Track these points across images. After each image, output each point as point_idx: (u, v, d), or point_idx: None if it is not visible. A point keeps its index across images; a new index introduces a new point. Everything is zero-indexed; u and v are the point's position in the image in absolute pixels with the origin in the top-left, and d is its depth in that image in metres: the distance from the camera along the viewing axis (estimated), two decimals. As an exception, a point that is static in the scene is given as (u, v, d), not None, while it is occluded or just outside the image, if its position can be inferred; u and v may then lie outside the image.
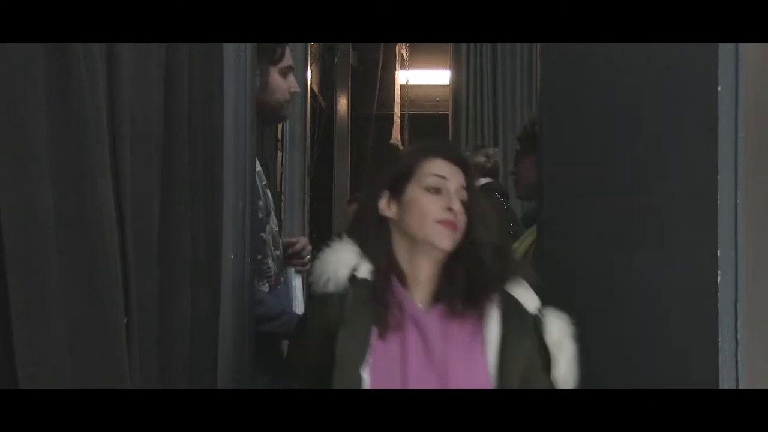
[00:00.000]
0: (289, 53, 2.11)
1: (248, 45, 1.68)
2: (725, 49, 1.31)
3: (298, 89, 2.20)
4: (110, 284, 1.07)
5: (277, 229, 2.18)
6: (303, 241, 2.36)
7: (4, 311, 0.90)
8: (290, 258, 2.29)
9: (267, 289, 2.06)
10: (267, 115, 2.13)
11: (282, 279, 2.17)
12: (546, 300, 1.43)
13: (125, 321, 1.13)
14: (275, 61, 2.05)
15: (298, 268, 2.31)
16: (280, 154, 4.25)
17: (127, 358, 1.12)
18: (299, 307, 2.27)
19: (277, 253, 2.15)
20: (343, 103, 6.92)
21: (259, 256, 2.02)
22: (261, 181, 2.11)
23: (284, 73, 2.09)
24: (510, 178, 4.66)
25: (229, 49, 1.62)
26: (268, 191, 2.16)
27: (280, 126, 3.91)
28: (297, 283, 2.30)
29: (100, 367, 1.05)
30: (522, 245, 2.20)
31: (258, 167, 2.14)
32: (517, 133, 2.71)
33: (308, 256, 2.36)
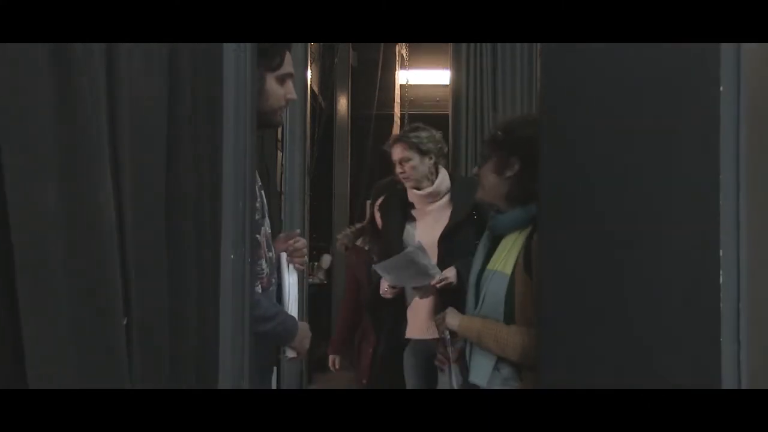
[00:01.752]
0: (290, 60, 2.11)
1: (248, 45, 1.67)
2: (727, 50, 1.31)
3: (295, 97, 2.21)
4: (110, 284, 1.07)
5: (269, 231, 2.19)
6: (303, 240, 2.36)
7: (8, 311, 0.90)
8: (291, 254, 2.29)
9: (260, 291, 2.07)
10: (260, 120, 2.13)
11: (273, 281, 2.18)
12: None
13: (125, 321, 1.13)
14: (273, 68, 2.05)
15: (297, 265, 2.31)
16: (280, 154, 4.25)
17: (127, 358, 1.12)
18: (293, 307, 2.26)
19: (270, 254, 2.15)
20: (343, 103, 6.92)
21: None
22: (256, 182, 2.11)
23: (282, 80, 2.08)
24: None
25: (229, 49, 1.62)
26: (263, 192, 2.16)
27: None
28: (292, 280, 2.29)
29: (100, 368, 1.05)
30: (507, 261, 2.16)
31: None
32: (486, 137, 2.71)
33: (306, 257, 2.37)
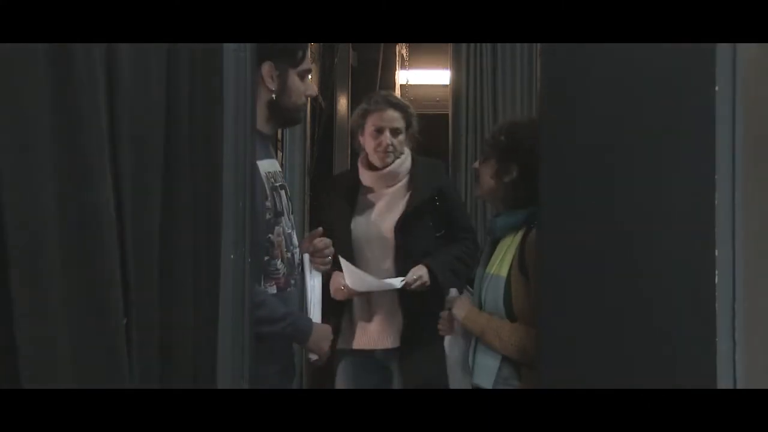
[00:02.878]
0: (309, 56, 2.11)
1: (248, 45, 1.68)
2: (723, 49, 1.31)
3: (314, 92, 2.21)
4: (110, 285, 1.07)
5: (290, 231, 2.15)
6: (327, 240, 2.31)
7: (6, 311, 0.91)
8: (312, 254, 2.26)
9: (274, 291, 2.05)
10: (283, 117, 2.13)
11: (293, 281, 2.15)
12: None
13: (125, 321, 1.13)
14: (296, 64, 2.06)
15: (319, 266, 2.27)
16: (280, 154, 4.25)
17: (127, 358, 1.13)
18: (315, 310, 2.23)
19: (289, 254, 2.13)
20: (343, 103, 6.91)
21: (266, 258, 2.01)
22: (276, 182, 2.09)
23: (302, 76, 2.09)
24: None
25: (229, 49, 1.63)
26: (283, 192, 2.14)
27: (280, 126, 3.91)
28: (315, 282, 2.26)
29: (99, 367, 1.06)
30: (503, 263, 2.17)
31: (277, 168, 2.14)
32: (487, 136, 2.63)
33: (330, 257, 2.32)
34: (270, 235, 2.02)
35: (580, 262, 1.59)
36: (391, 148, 2.83)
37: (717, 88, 1.30)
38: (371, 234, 2.87)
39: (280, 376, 2.10)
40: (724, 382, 1.29)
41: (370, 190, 2.91)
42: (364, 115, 2.88)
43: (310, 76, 2.18)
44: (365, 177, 2.91)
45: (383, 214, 2.88)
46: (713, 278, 1.29)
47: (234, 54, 1.64)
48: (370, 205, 2.91)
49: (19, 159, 0.91)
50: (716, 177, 1.30)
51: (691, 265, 1.35)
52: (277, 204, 2.08)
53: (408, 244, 2.83)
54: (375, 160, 2.86)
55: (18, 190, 0.91)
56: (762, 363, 1.30)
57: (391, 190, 2.89)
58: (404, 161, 2.88)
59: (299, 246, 2.22)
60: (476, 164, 2.33)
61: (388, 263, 2.86)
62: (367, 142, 2.86)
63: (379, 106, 2.84)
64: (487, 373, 2.13)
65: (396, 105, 2.87)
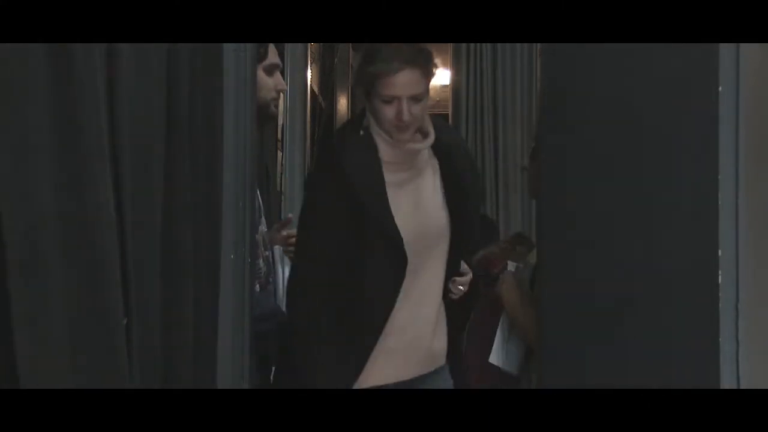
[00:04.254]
0: (274, 51, 2.12)
1: (248, 45, 1.68)
2: (726, 49, 1.31)
3: (285, 87, 2.23)
4: (110, 285, 1.07)
5: (266, 230, 2.19)
6: (293, 231, 2.29)
7: (5, 311, 0.90)
8: (285, 242, 2.26)
9: (258, 290, 2.07)
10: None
11: (271, 280, 2.18)
12: None
13: (125, 321, 1.13)
14: (260, 59, 2.06)
15: (288, 250, 2.26)
16: (280, 154, 4.24)
17: (127, 358, 1.12)
18: (281, 303, 2.25)
19: (267, 253, 2.15)
20: (343, 103, 6.90)
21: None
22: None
23: (269, 72, 2.10)
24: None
25: (229, 49, 1.63)
26: (259, 192, 2.17)
27: (280, 126, 3.92)
28: (287, 274, 2.27)
29: (99, 368, 1.05)
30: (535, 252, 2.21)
31: None
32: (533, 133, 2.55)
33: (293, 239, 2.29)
34: (255, 235, 2.04)
35: (582, 261, 1.59)
36: (410, 121, 1.95)
37: (720, 89, 1.30)
38: (419, 225, 2.05)
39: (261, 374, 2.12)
40: (727, 383, 1.29)
41: (392, 164, 2.04)
42: (368, 76, 1.98)
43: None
44: (384, 149, 2.03)
45: (425, 197, 2.09)
46: (717, 278, 1.29)
47: (234, 54, 1.64)
48: (403, 186, 2.05)
49: (19, 159, 0.91)
50: (719, 177, 1.30)
51: (694, 265, 1.35)
52: (260, 204, 2.11)
53: (461, 236, 2.12)
54: (390, 132, 2.01)
55: (18, 191, 0.90)
56: (766, 363, 1.30)
57: (417, 164, 2.08)
58: (429, 135, 2.05)
59: (269, 243, 2.23)
60: (525, 163, 2.34)
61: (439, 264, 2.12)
62: (378, 111, 1.98)
63: (389, 66, 1.92)
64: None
65: (413, 62, 1.95)
